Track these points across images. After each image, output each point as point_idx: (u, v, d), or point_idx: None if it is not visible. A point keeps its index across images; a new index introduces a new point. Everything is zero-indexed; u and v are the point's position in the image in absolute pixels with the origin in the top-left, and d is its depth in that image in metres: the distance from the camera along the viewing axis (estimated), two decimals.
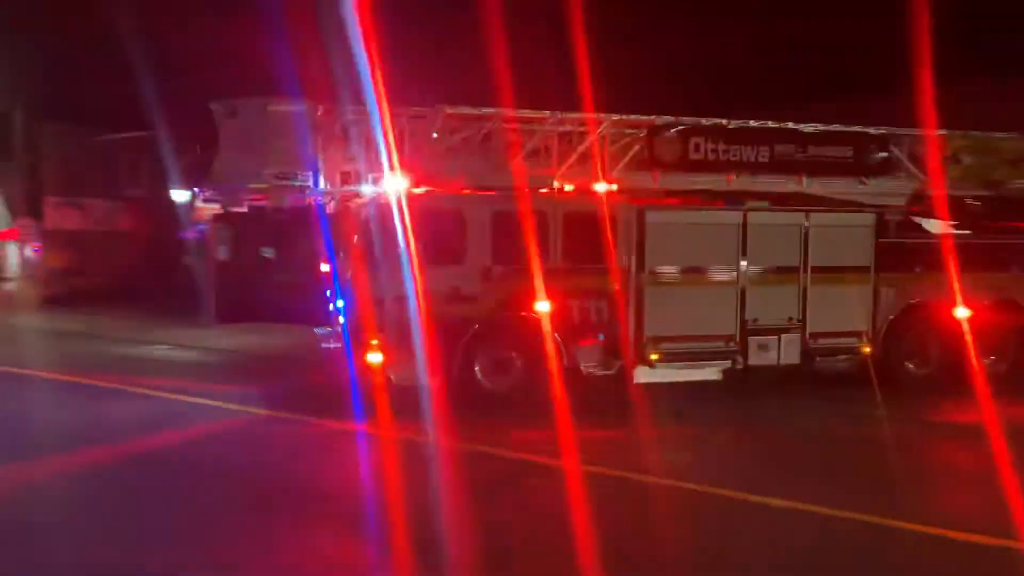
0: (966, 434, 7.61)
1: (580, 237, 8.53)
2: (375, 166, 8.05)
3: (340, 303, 8.35)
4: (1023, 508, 5.18)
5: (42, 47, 23.73)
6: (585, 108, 8.74)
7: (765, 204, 9.20)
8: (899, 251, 9.63)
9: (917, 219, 10.05)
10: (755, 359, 9.15)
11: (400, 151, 8.18)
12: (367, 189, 8.05)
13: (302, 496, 5.63)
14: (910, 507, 5.41)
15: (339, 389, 8.12)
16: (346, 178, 8.11)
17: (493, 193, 8.44)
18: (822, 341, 9.38)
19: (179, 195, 19.64)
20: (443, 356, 8.14)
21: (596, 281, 8.59)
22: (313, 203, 8.34)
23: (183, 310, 16.46)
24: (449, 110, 8.49)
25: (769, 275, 9.20)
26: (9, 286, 25.25)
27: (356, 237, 8.12)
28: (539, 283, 8.45)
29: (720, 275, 9.04)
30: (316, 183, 7.96)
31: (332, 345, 8.57)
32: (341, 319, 8.32)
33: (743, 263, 9.07)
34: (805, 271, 9.27)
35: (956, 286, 9.64)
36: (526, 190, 8.44)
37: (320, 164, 7.92)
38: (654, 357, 8.80)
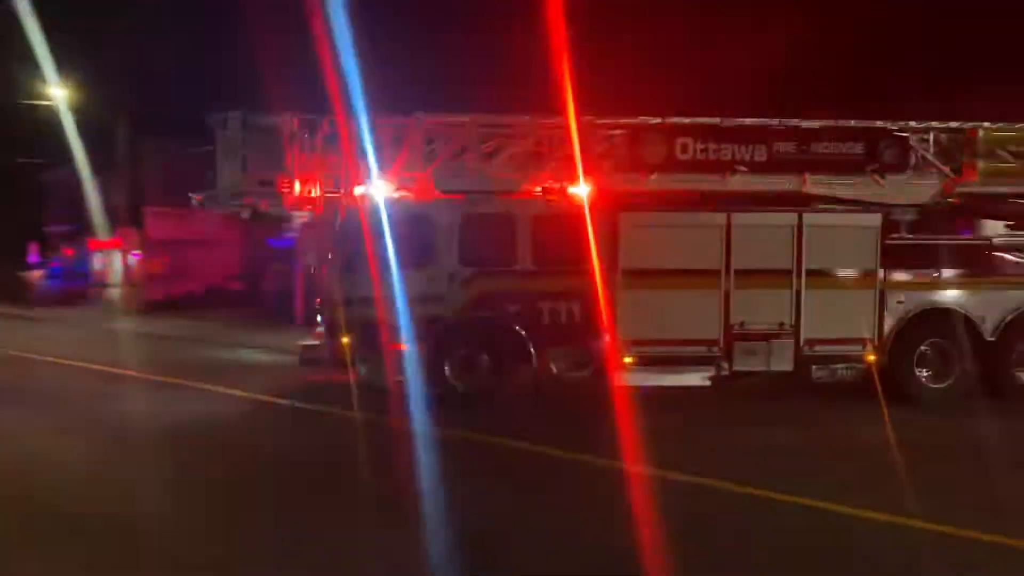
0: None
1: (551, 239, 8.93)
2: (352, 174, 8.90)
3: (320, 304, 9.25)
4: None
5: (143, 62, 26.70)
6: (565, 111, 9.15)
7: (750, 204, 9.22)
8: (910, 253, 9.30)
9: (938, 218, 9.73)
10: (741, 365, 9.14)
11: (380, 159, 9.02)
12: (344, 196, 8.90)
13: None
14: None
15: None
16: (323, 186, 8.99)
17: (461, 198, 9.06)
18: (819, 348, 9.20)
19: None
20: (415, 355, 8.85)
21: (568, 283, 8.94)
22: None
23: (273, 315, 18.09)
24: (428, 118, 9.22)
25: (757, 278, 9.12)
26: (112, 292, 28.43)
27: (333, 242, 9.03)
28: (507, 285, 9.01)
29: (702, 278, 9.07)
30: (295, 191, 8.90)
31: (312, 343, 9.48)
32: (319, 319, 9.22)
33: (727, 265, 9.08)
34: (799, 274, 9.15)
35: (979, 291, 9.32)
36: (494, 194, 9.03)
37: (298, 173, 8.86)
38: (629, 360, 9.03)
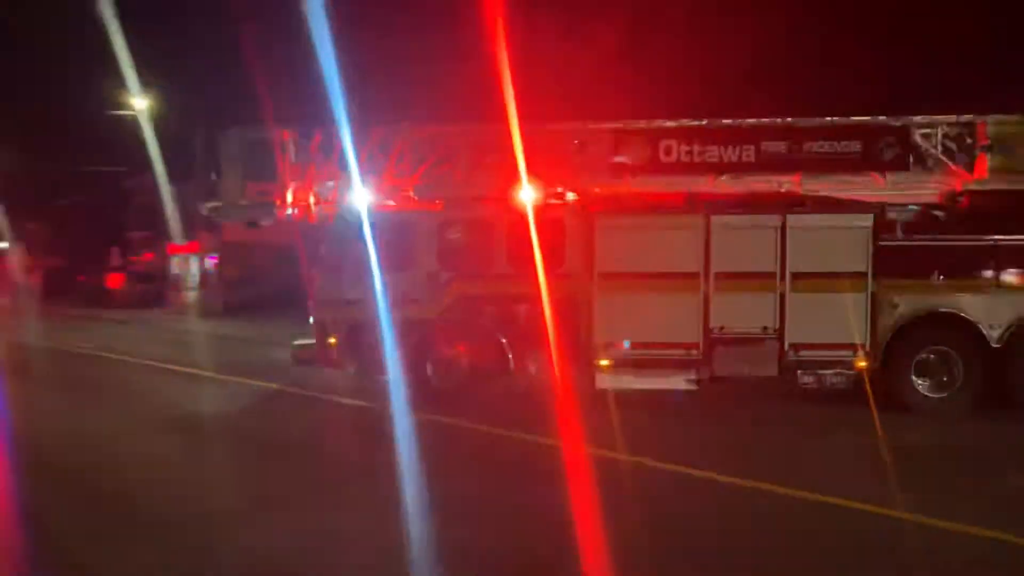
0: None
1: (527, 243, 9.43)
2: (339, 184, 9.76)
3: (311, 306, 10.14)
4: None
5: (219, 68, 28.83)
6: (541, 117, 9.64)
7: (732, 206, 9.37)
8: (907, 254, 9.16)
9: (942, 217, 9.54)
10: (722, 369, 9.29)
11: (367, 168, 9.83)
12: (331, 205, 9.76)
13: None
14: None
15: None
16: (315, 196, 9.88)
17: (439, 204, 9.72)
18: (805, 353, 9.22)
19: None
20: (397, 355, 9.58)
21: (543, 286, 9.44)
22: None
23: None
24: (411, 128, 9.94)
25: (738, 281, 9.24)
26: (189, 294, 30.80)
27: (321, 247, 9.92)
28: (484, 289, 9.59)
29: (680, 281, 9.27)
30: (289, 201, 9.84)
31: (305, 342, 10.37)
32: (311, 320, 10.11)
33: (707, 268, 9.27)
34: (783, 277, 9.23)
35: (984, 295, 9.09)
36: (470, 200, 9.64)
37: (291, 183, 9.79)
38: (604, 363, 9.41)
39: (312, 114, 9.71)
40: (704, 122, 9.75)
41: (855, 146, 9.63)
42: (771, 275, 9.24)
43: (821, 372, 9.23)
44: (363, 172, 9.57)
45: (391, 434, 8.15)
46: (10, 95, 25.07)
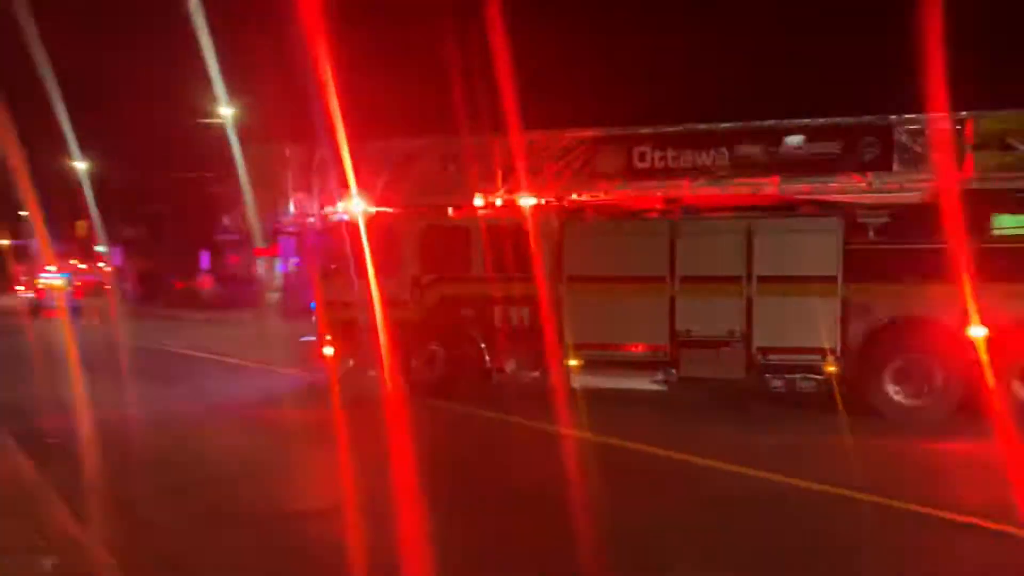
0: None
1: (502, 248, 10.33)
2: (333, 193, 11.08)
3: (313, 306, 11.49)
4: None
5: (295, 81, 31.30)
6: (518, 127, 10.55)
7: (696, 211, 9.89)
8: (879, 258, 9.34)
9: (922, 220, 9.64)
10: (688, 371, 9.77)
11: (361, 178, 11.09)
12: (325, 212, 11.10)
13: None
14: None
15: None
16: (310, 204, 11.26)
17: (420, 212, 10.81)
18: (773, 357, 9.55)
19: None
20: (384, 351, 10.74)
21: (518, 289, 10.29)
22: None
23: None
24: (401, 141, 11.12)
25: (705, 284, 9.70)
26: (273, 296, 33.46)
27: (317, 251, 11.27)
28: (462, 291, 10.60)
29: (648, 284, 9.84)
30: (292, 209, 11.28)
31: (309, 339, 11.73)
32: (313, 319, 11.46)
33: (673, 272, 9.78)
34: (749, 281, 9.61)
35: (964, 299, 9.15)
36: (448, 207, 10.67)
37: (292, 193, 11.21)
38: (574, 363, 10.17)
39: (310, 131, 11.09)
40: (680, 127, 10.38)
41: (834, 147, 9.98)
42: (737, 279, 9.62)
43: (790, 376, 9.55)
44: (357, 183, 10.88)
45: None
46: (106, 105, 28.38)
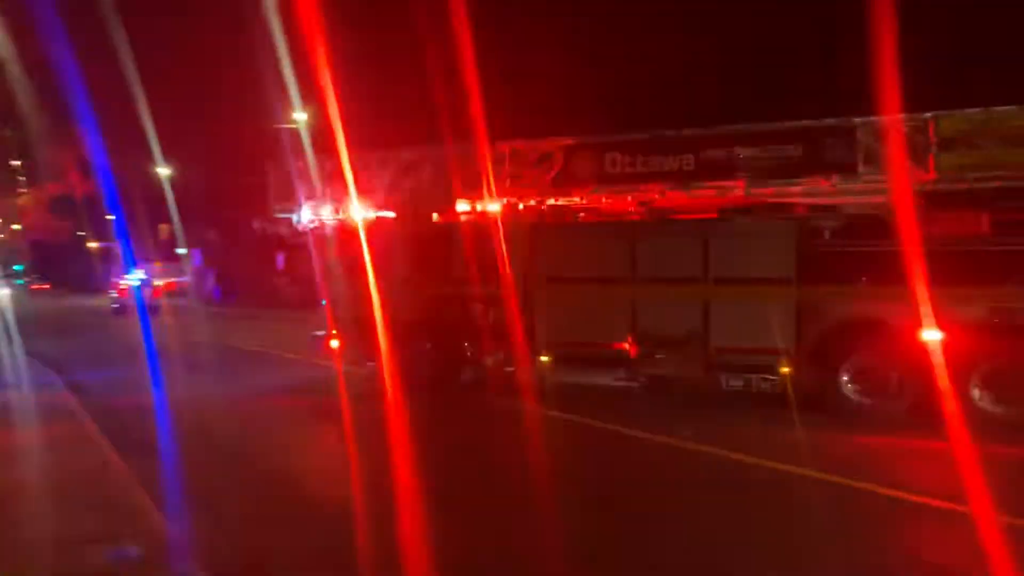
0: None
1: (478, 252, 11.47)
2: (336, 200, 12.60)
3: (324, 304, 13.07)
4: None
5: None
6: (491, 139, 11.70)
7: (656, 214, 10.69)
8: (834, 260, 9.82)
9: (877, 223, 10.05)
10: (649, 369, 10.62)
11: (361, 187, 12.55)
12: (331, 218, 12.64)
13: None
14: None
15: None
16: (318, 209, 12.82)
17: (408, 217, 12.10)
18: (730, 357, 10.23)
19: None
20: (380, 347, 12.12)
21: (494, 290, 11.40)
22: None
23: None
24: (395, 152, 12.50)
25: (664, 286, 10.48)
26: None
27: (323, 254, 12.79)
28: (446, 292, 11.82)
29: (611, 286, 10.72)
30: (304, 215, 12.89)
31: (319, 334, 13.24)
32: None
33: (634, 273, 10.63)
34: (707, 282, 10.30)
35: (921, 301, 9.55)
36: (429, 214, 11.92)
37: (302, 200, 12.80)
38: (545, 360, 11.23)
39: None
40: (647, 134, 11.23)
41: (797, 150, 10.58)
42: (695, 280, 10.36)
43: (747, 376, 10.23)
44: (357, 191, 12.37)
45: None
46: (187, 111, 31.22)
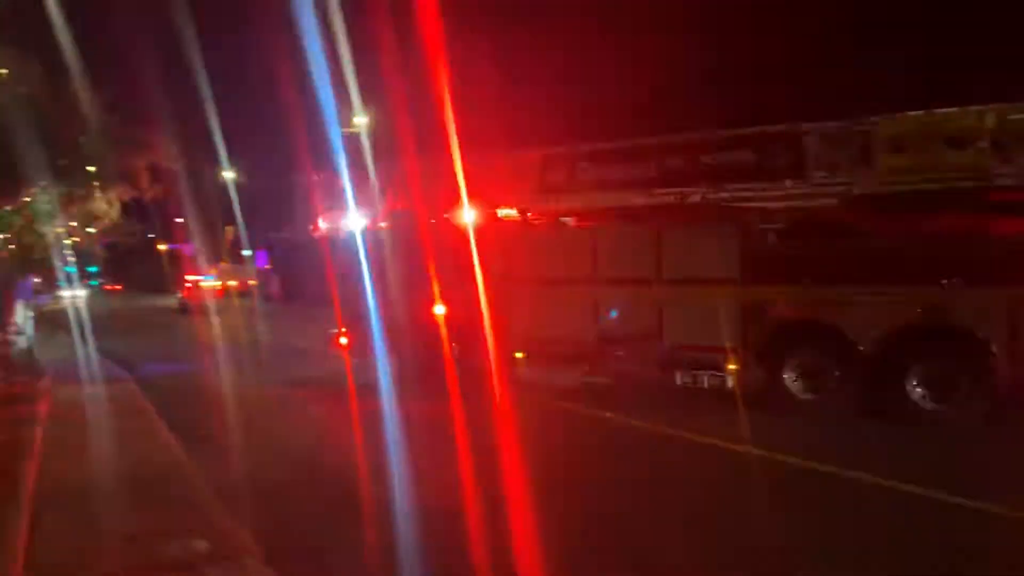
0: None
1: (461, 254, 12.93)
2: (344, 209, 14.38)
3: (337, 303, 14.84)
4: None
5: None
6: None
7: (615, 219, 11.86)
8: (776, 262, 10.76)
9: (819, 224, 10.87)
10: (610, 365, 11.78)
11: (360, 198, 14.27)
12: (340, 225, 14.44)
13: None
14: None
15: None
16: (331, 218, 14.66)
17: (399, 224, 13.65)
18: (682, 354, 11.30)
19: None
20: (377, 343, 13.78)
21: (469, 291, 12.74)
22: None
23: None
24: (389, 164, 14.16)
25: (623, 287, 11.63)
26: None
27: (336, 258, 14.59)
28: (430, 293, 13.32)
29: (576, 287, 11.95)
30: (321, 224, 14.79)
31: (334, 332, 14.98)
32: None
33: (595, 274, 11.84)
34: (660, 283, 11.40)
35: (853, 303, 10.32)
36: (416, 220, 13.44)
37: (322, 210, 14.67)
38: (518, 356, 12.58)
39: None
40: (611, 144, 12.43)
41: (748, 155, 11.54)
42: (649, 281, 11.49)
43: (697, 372, 11.29)
44: (356, 201, 14.12)
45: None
46: (251, 113, 33.89)
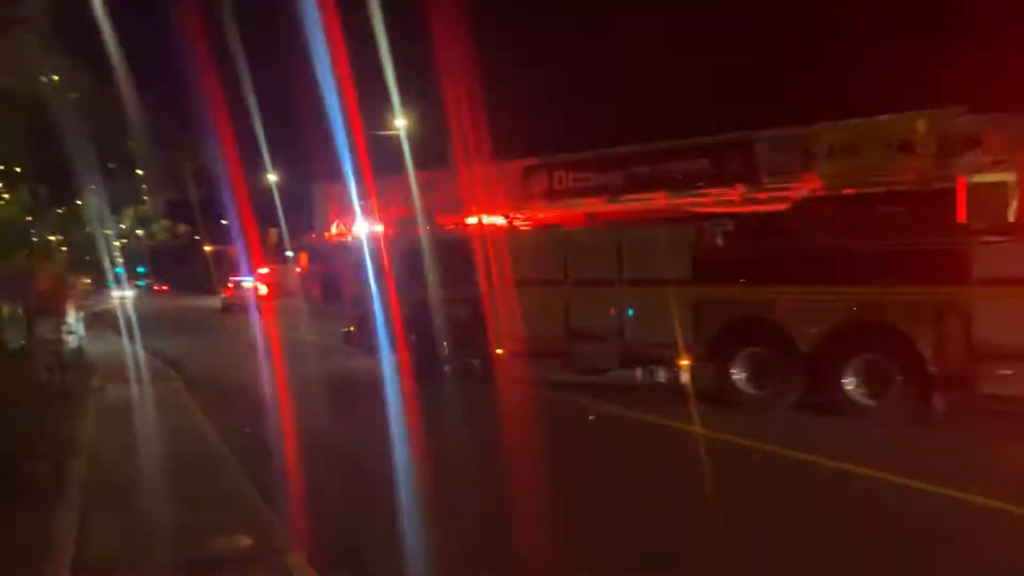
0: None
1: (450, 259, 14.44)
2: (350, 218, 16.28)
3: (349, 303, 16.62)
4: None
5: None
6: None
7: (581, 224, 13.34)
8: (725, 262, 11.83)
9: (764, 227, 11.91)
10: (578, 361, 13.10)
11: (366, 207, 16.14)
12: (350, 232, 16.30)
13: None
14: None
15: None
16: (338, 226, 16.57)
17: (395, 231, 15.41)
18: (640, 351, 12.46)
19: None
20: (384, 341, 15.54)
21: (456, 292, 14.22)
22: None
23: None
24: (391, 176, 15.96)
25: (589, 287, 12.92)
26: None
27: (342, 262, 16.45)
28: (426, 294, 14.98)
29: (550, 287, 13.27)
30: (331, 231, 16.71)
31: (347, 329, 16.74)
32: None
33: (566, 276, 13.17)
34: (621, 284, 12.63)
35: (793, 303, 11.32)
36: (408, 226, 15.20)
37: (333, 218, 16.61)
38: (500, 352, 14.11)
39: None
40: (580, 155, 13.94)
41: (704, 163, 12.86)
42: (611, 282, 12.72)
43: (654, 368, 12.49)
44: (363, 210, 16.03)
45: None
46: (291, 118, 35.92)
